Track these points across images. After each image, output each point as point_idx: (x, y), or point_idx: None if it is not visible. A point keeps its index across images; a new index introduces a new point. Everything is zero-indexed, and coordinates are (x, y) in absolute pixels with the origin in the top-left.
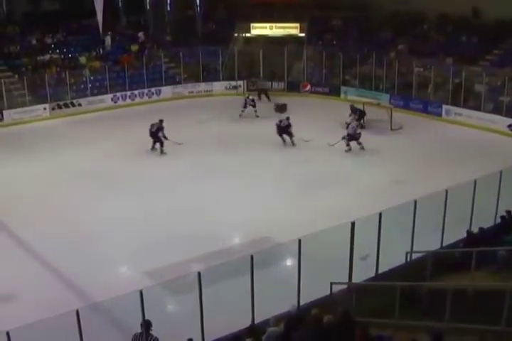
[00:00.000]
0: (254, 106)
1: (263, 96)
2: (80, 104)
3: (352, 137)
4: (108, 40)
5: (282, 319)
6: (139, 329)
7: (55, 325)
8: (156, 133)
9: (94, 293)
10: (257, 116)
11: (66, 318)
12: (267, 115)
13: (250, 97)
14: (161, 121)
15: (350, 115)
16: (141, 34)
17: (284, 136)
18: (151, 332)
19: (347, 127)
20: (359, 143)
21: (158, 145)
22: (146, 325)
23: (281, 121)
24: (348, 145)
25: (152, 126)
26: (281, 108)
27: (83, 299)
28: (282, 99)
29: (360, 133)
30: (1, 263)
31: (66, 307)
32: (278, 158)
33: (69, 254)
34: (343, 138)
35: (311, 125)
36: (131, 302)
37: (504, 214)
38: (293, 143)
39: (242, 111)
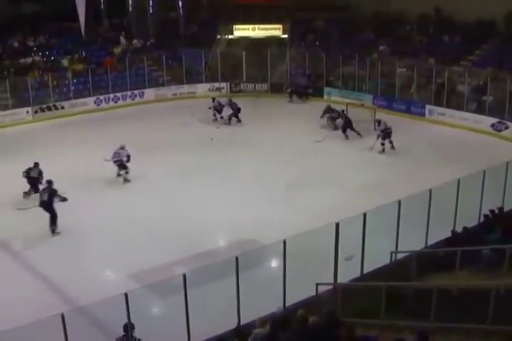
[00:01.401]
0: (220, 111)
1: (295, 98)
2: (62, 107)
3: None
4: (122, 40)
5: (268, 320)
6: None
7: (40, 329)
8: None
9: (79, 296)
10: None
11: (51, 322)
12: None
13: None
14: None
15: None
16: (121, 37)
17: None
18: (134, 334)
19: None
20: (390, 142)
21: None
22: (129, 327)
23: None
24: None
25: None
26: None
27: (68, 303)
28: (266, 101)
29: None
30: None
31: (51, 311)
32: (262, 158)
33: (53, 258)
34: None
35: (295, 126)
36: (116, 306)
37: (488, 213)
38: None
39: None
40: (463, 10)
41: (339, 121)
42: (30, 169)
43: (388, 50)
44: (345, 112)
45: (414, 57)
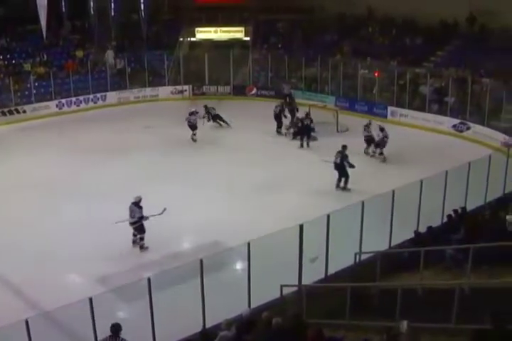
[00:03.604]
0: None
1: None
2: (24, 111)
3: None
4: (111, 54)
5: (234, 322)
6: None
7: (4, 336)
8: None
9: (44, 301)
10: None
11: (15, 328)
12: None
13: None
14: None
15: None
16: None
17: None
18: (120, 335)
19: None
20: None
21: None
22: (115, 328)
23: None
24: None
25: None
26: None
27: (32, 308)
28: (228, 103)
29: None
30: None
31: (15, 317)
32: (226, 161)
33: (18, 262)
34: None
35: (258, 128)
36: (81, 311)
37: (451, 213)
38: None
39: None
40: (425, 11)
41: None
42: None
43: (350, 51)
44: (308, 117)
45: (376, 59)
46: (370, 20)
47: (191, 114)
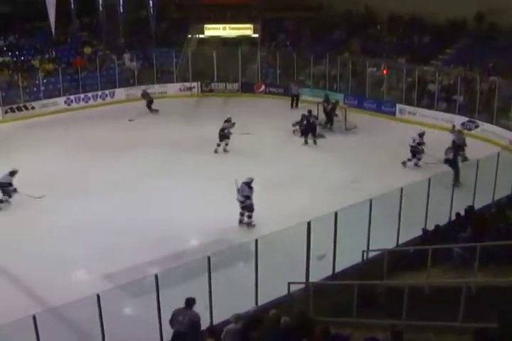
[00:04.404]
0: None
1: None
2: (33, 107)
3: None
4: (127, 58)
5: (242, 317)
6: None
7: (12, 331)
8: None
9: (51, 297)
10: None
11: (23, 324)
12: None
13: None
14: None
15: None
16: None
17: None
18: (193, 308)
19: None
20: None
21: None
22: (189, 301)
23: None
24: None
25: None
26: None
27: (40, 304)
28: (236, 100)
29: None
30: None
31: (23, 313)
32: (233, 158)
33: (26, 258)
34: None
35: (266, 125)
36: (89, 307)
37: (459, 211)
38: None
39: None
40: (434, 10)
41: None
42: None
43: (359, 49)
44: (312, 115)
45: (384, 57)
46: (370, 18)
47: (227, 121)
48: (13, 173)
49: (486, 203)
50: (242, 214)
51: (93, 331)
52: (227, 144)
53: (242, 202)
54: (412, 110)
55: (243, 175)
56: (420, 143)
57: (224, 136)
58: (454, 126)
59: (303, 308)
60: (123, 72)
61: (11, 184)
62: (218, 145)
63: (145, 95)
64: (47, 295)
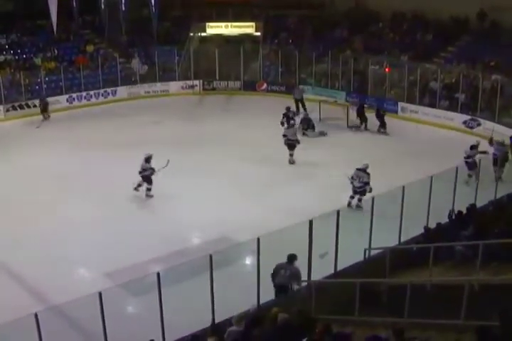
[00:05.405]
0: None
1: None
2: (35, 105)
3: None
4: (135, 62)
5: (244, 318)
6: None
7: (14, 330)
8: None
9: (53, 295)
10: None
11: (25, 322)
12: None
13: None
14: None
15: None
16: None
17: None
18: (294, 264)
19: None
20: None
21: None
22: (291, 257)
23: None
24: None
25: None
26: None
27: (42, 302)
28: (239, 98)
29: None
30: None
31: (25, 311)
32: (236, 156)
33: (27, 256)
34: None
35: (268, 124)
36: (90, 305)
37: (461, 209)
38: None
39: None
40: (436, 7)
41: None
42: None
43: (361, 47)
44: (291, 110)
45: (387, 55)
46: (372, 15)
47: (290, 126)
48: (148, 159)
49: (489, 200)
50: (352, 197)
51: (95, 329)
52: (291, 154)
53: (359, 188)
54: (414, 108)
55: (243, 173)
56: (470, 156)
57: (291, 145)
58: (491, 137)
59: (304, 307)
60: (125, 70)
61: (153, 169)
62: (291, 154)
63: (43, 101)
64: (49, 294)
